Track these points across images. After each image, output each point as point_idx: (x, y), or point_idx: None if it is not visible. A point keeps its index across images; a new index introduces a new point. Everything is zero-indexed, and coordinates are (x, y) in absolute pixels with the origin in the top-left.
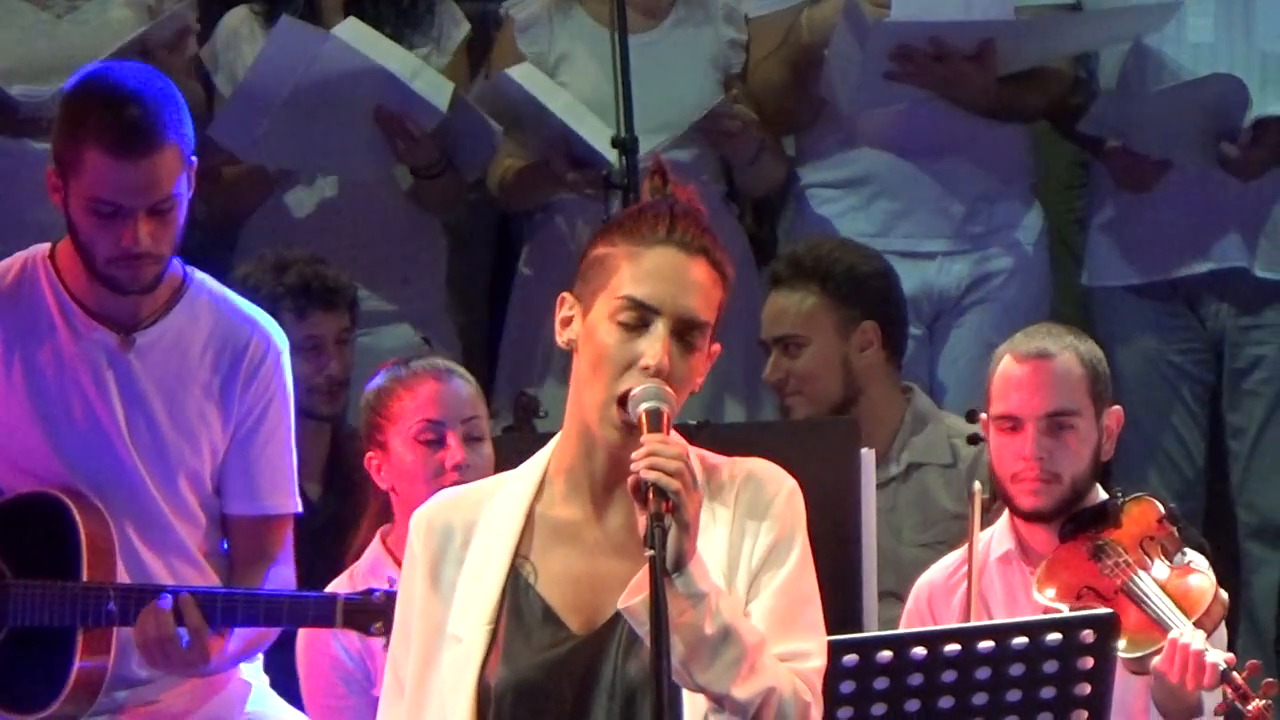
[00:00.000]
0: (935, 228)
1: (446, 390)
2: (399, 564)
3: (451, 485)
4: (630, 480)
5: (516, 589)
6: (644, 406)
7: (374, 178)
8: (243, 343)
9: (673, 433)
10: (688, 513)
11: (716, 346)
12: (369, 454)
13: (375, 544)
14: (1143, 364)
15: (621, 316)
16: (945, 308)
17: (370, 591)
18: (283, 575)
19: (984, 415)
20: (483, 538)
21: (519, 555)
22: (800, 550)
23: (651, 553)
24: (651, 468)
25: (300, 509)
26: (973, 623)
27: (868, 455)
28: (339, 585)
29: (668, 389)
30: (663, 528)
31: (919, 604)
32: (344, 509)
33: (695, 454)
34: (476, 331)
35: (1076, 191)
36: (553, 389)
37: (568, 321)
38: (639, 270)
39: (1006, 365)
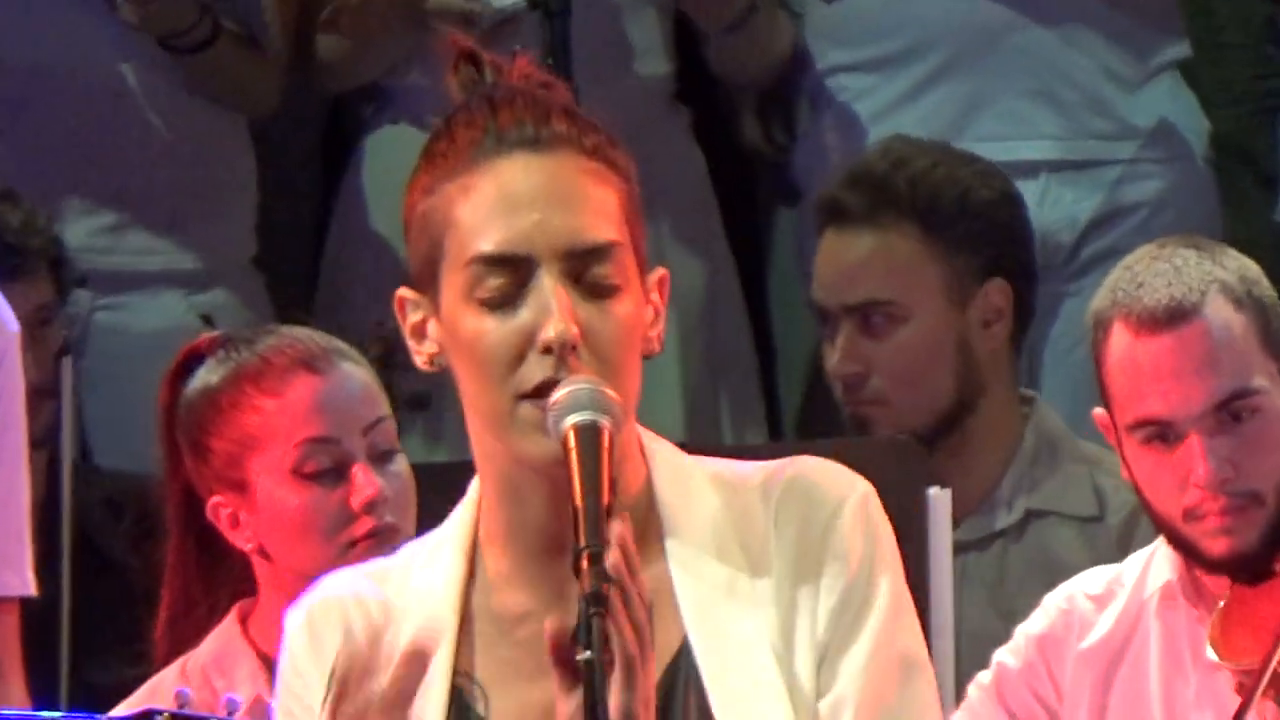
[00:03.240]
0: (1032, 125)
1: (330, 386)
2: (267, 667)
3: (368, 533)
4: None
5: None
6: (571, 420)
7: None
8: None
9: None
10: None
11: (659, 272)
12: (215, 499)
13: (228, 626)
14: None
15: (481, 292)
16: (1053, 263)
17: (151, 715)
18: (10, 693)
19: (1099, 411)
20: (402, 654)
21: (458, 673)
22: (888, 593)
23: (587, 655)
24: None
25: (33, 588)
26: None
27: (939, 497)
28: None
29: (605, 389)
30: (600, 615)
31: (1030, 658)
32: (85, 589)
33: (704, 471)
34: (300, 291)
35: (1265, 70)
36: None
37: (419, 331)
38: (477, 209)
39: (1123, 342)
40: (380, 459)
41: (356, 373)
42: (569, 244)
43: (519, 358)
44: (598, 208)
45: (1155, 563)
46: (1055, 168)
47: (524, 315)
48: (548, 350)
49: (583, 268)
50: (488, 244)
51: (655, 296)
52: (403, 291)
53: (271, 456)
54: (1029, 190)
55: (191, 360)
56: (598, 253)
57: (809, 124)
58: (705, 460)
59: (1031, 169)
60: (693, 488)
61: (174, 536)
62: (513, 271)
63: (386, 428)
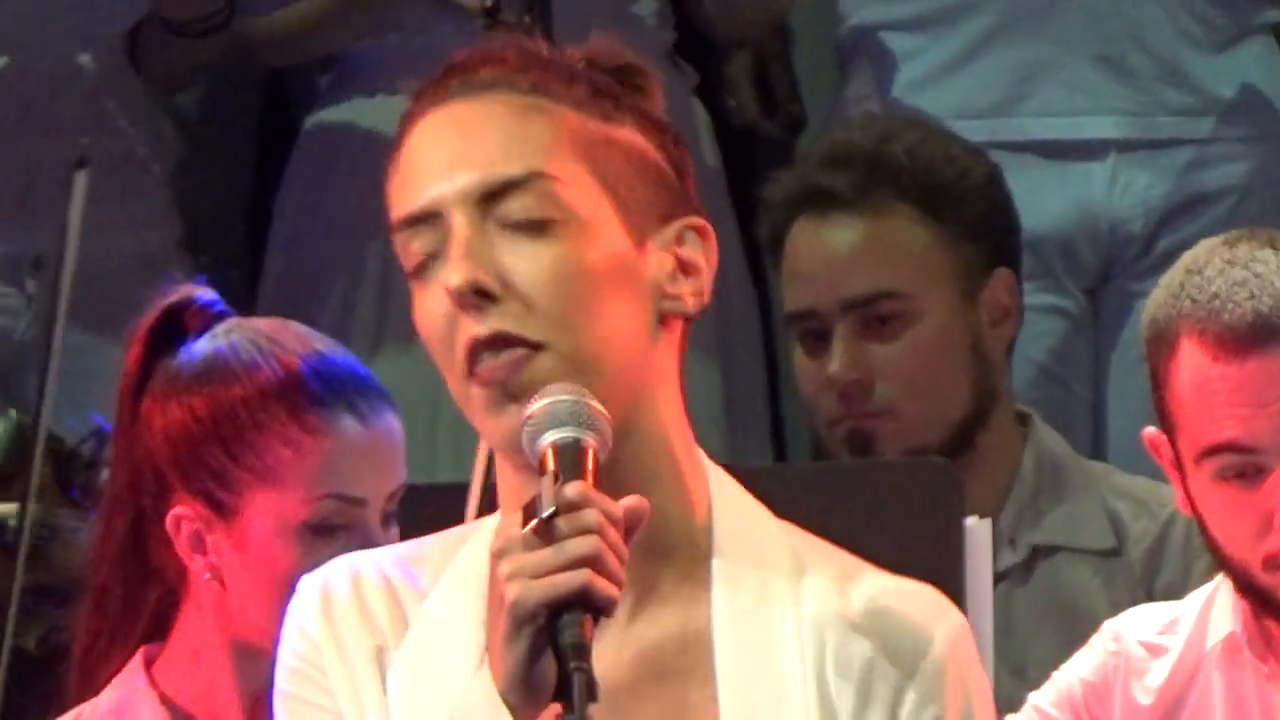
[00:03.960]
0: (1100, 98)
1: (374, 440)
2: (171, 714)
3: None
4: (507, 604)
5: None
6: (548, 439)
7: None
8: None
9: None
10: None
11: (688, 220)
12: (180, 509)
13: (132, 671)
14: None
15: (409, 260)
16: (1123, 256)
17: None
18: None
19: (1152, 431)
20: (417, 681)
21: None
22: None
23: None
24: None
25: None
26: None
27: (978, 529)
28: None
29: (590, 401)
30: (584, 670)
31: (1074, 705)
32: None
33: (775, 522)
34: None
35: None
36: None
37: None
38: (395, 179)
39: (1196, 363)
40: (388, 522)
41: (397, 426)
42: (477, 184)
43: (451, 327)
44: (517, 138)
45: (1216, 610)
46: (1126, 147)
47: (439, 277)
48: (461, 306)
49: (499, 204)
50: (401, 206)
51: (686, 249)
52: None
53: (287, 501)
54: (1095, 173)
55: (173, 319)
56: (514, 184)
57: (834, 94)
58: (774, 519)
59: (1098, 148)
60: (765, 539)
61: (107, 537)
62: (429, 232)
63: (400, 492)
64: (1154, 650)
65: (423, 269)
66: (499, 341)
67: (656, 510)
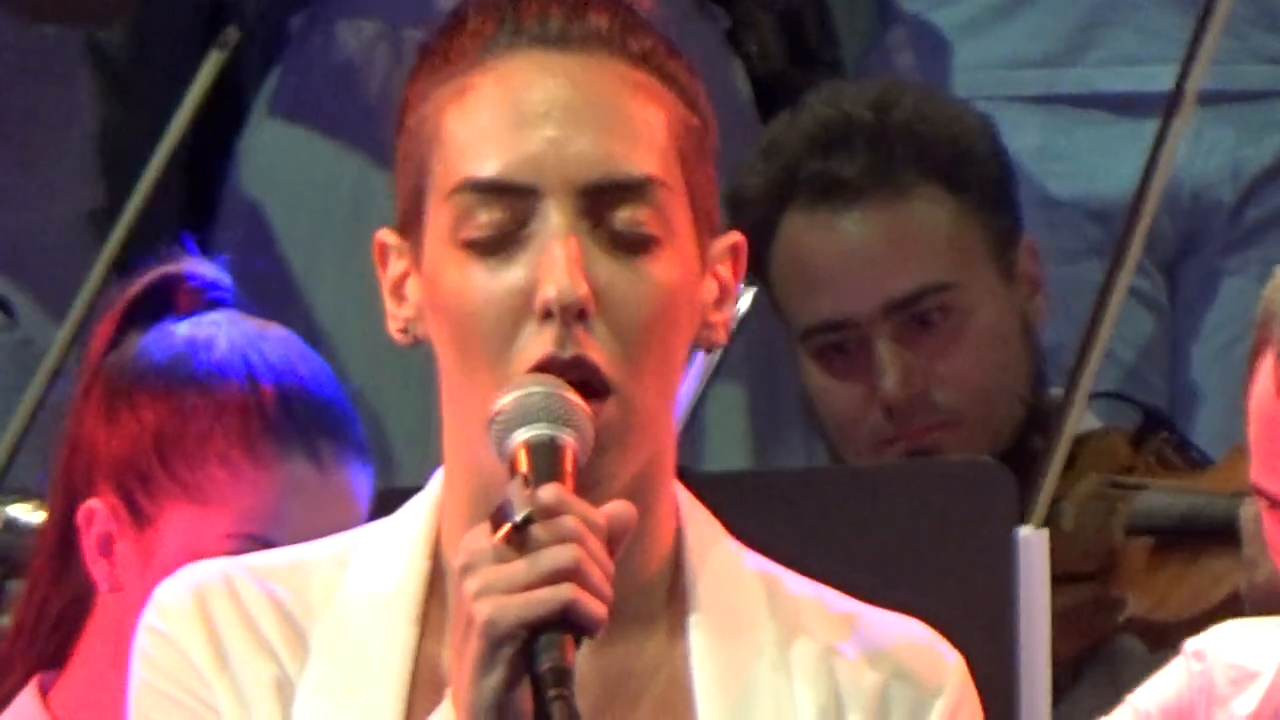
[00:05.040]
0: (1175, 44)
1: (325, 493)
2: None
3: None
4: (478, 624)
5: None
6: (520, 436)
7: None
8: None
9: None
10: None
11: (731, 237)
12: (93, 502)
13: (25, 700)
14: None
15: (468, 230)
16: (1207, 228)
17: None
18: None
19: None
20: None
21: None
22: None
23: None
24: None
25: None
26: None
27: (1032, 539)
28: None
29: (566, 393)
30: (566, 698)
31: None
32: None
33: (750, 562)
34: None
35: None
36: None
37: (398, 290)
38: (471, 119)
39: (1267, 385)
40: None
41: (360, 482)
42: (590, 174)
43: (513, 326)
44: (636, 130)
45: None
46: (1208, 101)
47: (520, 267)
48: (548, 316)
49: (606, 208)
50: (480, 167)
51: (725, 269)
52: (383, 234)
53: (208, 527)
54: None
55: (161, 293)
56: (629, 190)
57: (871, 41)
58: (748, 552)
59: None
60: (736, 575)
61: (47, 523)
62: (511, 206)
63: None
64: (1244, 674)
65: (489, 246)
66: (576, 370)
67: (641, 539)
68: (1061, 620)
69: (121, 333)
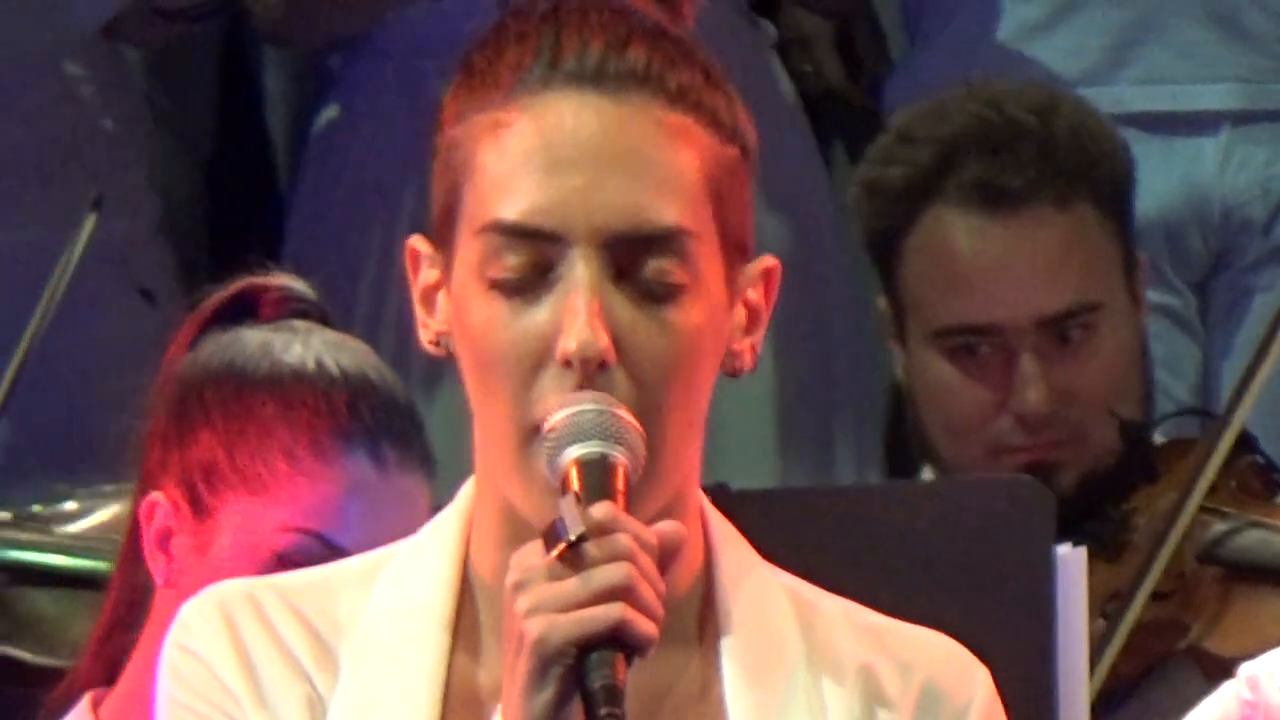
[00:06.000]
0: (1213, 63)
1: (384, 489)
2: None
3: None
4: (529, 642)
5: None
6: (572, 454)
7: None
8: None
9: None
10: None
11: (763, 262)
12: (156, 495)
13: (80, 715)
14: None
15: (495, 270)
16: (1238, 245)
17: None
18: None
19: None
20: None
21: None
22: None
23: None
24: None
25: None
26: None
27: (1070, 558)
28: None
29: (620, 411)
30: (618, 717)
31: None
32: None
33: (778, 579)
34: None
35: None
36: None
37: (429, 298)
38: (505, 158)
39: None
40: None
41: (420, 490)
42: (617, 225)
43: (534, 368)
44: (667, 177)
45: None
46: (1243, 119)
47: (544, 312)
48: (566, 364)
49: (632, 259)
50: (508, 209)
51: (755, 293)
52: (415, 241)
53: (266, 519)
54: (1207, 149)
55: (246, 301)
56: (657, 241)
57: (897, 67)
58: (775, 570)
59: (1211, 121)
60: (766, 592)
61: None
62: (538, 250)
63: None
64: None
65: (515, 287)
66: None
67: (673, 563)
68: (1135, 635)
69: (200, 337)
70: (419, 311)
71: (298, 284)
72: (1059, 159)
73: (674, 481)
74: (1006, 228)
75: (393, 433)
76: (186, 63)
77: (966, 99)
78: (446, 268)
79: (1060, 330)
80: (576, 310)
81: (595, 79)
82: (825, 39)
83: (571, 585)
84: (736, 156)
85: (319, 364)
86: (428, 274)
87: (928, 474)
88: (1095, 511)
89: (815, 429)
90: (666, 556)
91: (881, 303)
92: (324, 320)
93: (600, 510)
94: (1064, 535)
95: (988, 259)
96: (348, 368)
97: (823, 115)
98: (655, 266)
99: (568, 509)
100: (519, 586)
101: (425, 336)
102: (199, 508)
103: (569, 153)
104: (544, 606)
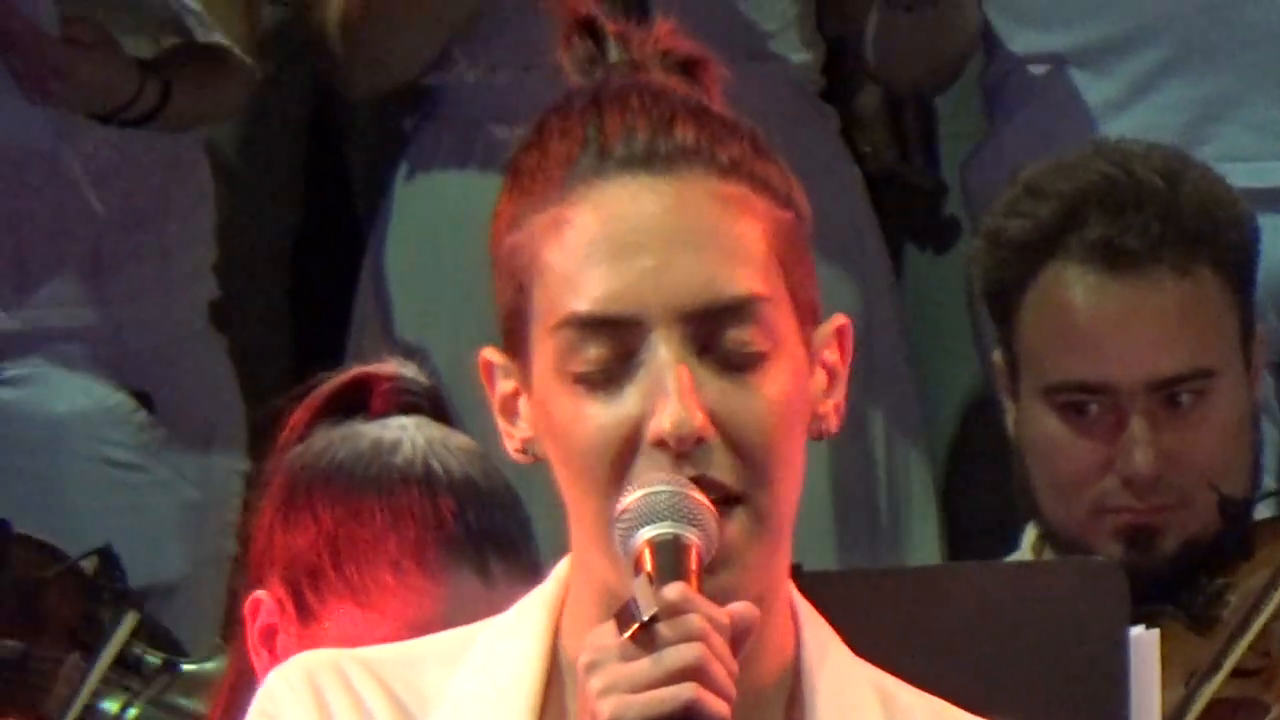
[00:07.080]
0: None
1: (489, 603)
2: None
3: None
4: None
5: None
6: (644, 535)
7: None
8: None
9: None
10: None
11: (836, 321)
12: (261, 593)
13: None
14: None
15: (576, 364)
16: None
17: None
18: None
19: None
20: None
21: None
22: None
23: None
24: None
25: None
26: None
27: (1144, 640)
28: None
29: (692, 492)
30: None
31: None
32: None
33: (864, 670)
34: (276, 350)
35: None
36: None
37: (509, 408)
38: (570, 254)
39: None
40: None
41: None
42: (692, 301)
43: (627, 454)
44: (734, 248)
45: None
46: None
47: (631, 398)
48: (661, 445)
49: (712, 332)
50: (582, 301)
51: (831, 354)
52: (488, 353)
53: (370, 631)
54: None
55: (357, 391)
56: (733, 311)
57: (984, 134)
58: (861, 661)
59: None
60: (852, 686)
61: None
62: (617, 337)
63: None
64: None
65: (599, 380)
66: (702, 487)
67: (758, 646)
68: (1214, 709)
69: (310, 427)
70: (500, 423)
71: (408, 371)
72: (1183, 222)
73: (776, 555)
74: (1126, 287)
75: (499, 542)
76: (275, 139)
77: (1094, 156)
78: (523, 374)
79: (1171, 394)
80: (666, 390)
81: (647, 161)
82: (880, 120)
83: (644, 665)
84: (794, 221)
85: (427, 470)
86: (504, 384)
87: (1030, 531)
88: (1191, 582)
89: (865, 499)
90: (739, 637)
91: (997, 355)
92: (435, 406)
93: (672, 591)
94: (1159, 601)
95: (1105, 317)
96: (454, 471)
97: (884, 193)
98: (735, 337)
99: (640, 590)
100: (592, 667)
101: (511, 446)
102: (304, 610)
103: (633, 236)
104: (617, 687)
